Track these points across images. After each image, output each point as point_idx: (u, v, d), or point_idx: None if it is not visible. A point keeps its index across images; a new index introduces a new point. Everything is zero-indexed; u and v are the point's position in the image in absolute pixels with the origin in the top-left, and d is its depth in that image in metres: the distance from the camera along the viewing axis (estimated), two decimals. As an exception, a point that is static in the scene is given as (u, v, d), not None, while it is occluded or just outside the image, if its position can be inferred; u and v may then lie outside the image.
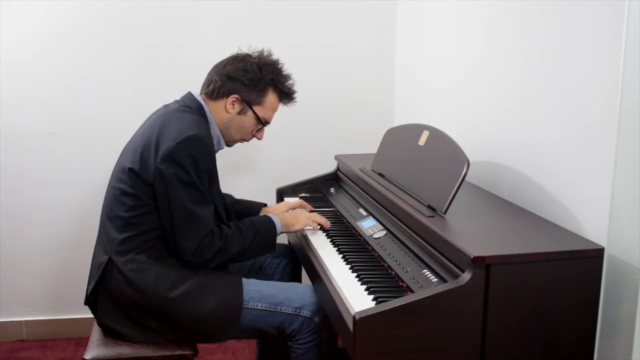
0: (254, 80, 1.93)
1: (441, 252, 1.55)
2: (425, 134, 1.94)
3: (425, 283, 1.54)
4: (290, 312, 1.86)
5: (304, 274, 2.16)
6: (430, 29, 2.58)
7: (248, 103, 1.95)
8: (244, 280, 1.91)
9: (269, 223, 1.95)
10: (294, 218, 2.03)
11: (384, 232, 1.91)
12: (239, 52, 2.00)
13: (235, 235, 1.86)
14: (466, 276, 1.40)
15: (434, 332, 1.41)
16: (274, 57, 2.01)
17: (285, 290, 1.90)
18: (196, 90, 2.00)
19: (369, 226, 2.01)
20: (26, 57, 2.65)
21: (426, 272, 1.58)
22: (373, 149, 2.36)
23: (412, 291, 1.55)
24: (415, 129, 2.03)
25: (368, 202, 2.14)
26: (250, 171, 2.43)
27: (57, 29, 2.64)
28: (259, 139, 2.07)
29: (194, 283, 1.82)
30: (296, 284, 2.01)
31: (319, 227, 2.08)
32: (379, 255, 1.82)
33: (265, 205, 2.31)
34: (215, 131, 1.95)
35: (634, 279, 1.43)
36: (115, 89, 2.73)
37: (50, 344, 2.83)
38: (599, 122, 1.54)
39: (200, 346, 1.95)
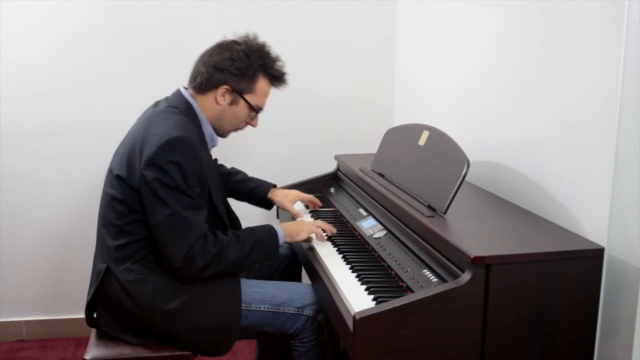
0: (242, 69, 1.85)
1: (441, 252, 1.55)
2: (425, 134, 1.94)
3: (425, 283, 1.54)
4: (293, 312, 1.85)
5: (304, 273, 2.16)
6: (430, 28, 2.58)
7: (239, 92, 1.87)
8: (245, 281, 1.89)
9: (270, 232, 1.87)
10: (299, 227, 1.95)
11: (384, 232, 1.91)
12: (224, 39, 1.92)
13: (232, 243, 1.78)
14: (466, 276, 1.40)
15: (434, 332, 1.41)
16: (260, 40, 1.92)
17: (287, 290, 1.89)
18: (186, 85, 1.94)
19: (369, 226, 2.00)
20: (26, 57, 2.65)
21: (426, 272, 1.58)
22: (373, 149, 2.36)
23: (412, 291, 1.55)
24: (415, 129, 2.03)
25: (368, 202, 2.14)
26: (250, 171, 2.43)
27: (57, 29, 2.65)
28: (254, 126, 1.99)
29: (192, 295, 1.77)
30: (297, 283, 2.00)
31: (325, 235, 2.01)
32: (379, 255, 1.82)
33: (274, 186, 2.30)
34: (207, 129, 1.90)
35: (634, 279, 1.43)
36: (115, 89, 2.73)
37: (50, 344, 2.83)
38: (599, 122, 1.54)
39: (200, 346, 1.95)
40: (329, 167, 2.63)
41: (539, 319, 1.45)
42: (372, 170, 2.24)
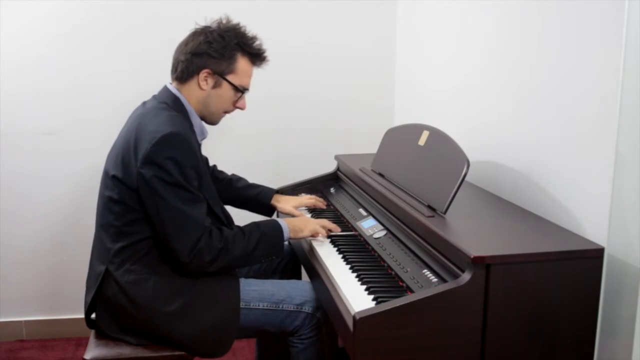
0: (219, 50, 1.84)
1: (441, 252, 1.55)
2: (425, 134, 1.94)
3: (425, 283, 1.54)
4: (292, 309, 1.85)
5: (304, 271, 2.16)
6: (430, 28, 2.58)
7: (220, 74, 1.86)
8: (243, 280, 1.90)
9: (276, 227, 1.88)
10: (303, 224, 1.96)
11: (384, 232, 1.91)
12: (197, 26, 1.92)
13: (237, 237, 1.79)
14: (466, 276, 1.40)
15: (434, 332, 1.41)
16: (234, 21, 1.93)
17: (286, 288, 1.90)
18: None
19: (369, 226, 2.00)
20: (26, 57, 2.65)
21: (426, 272, 1.58)
22: (373, 149, 2.36)
23: (412, 291, 1.55)
24: (415, 129, 2.03)
25: (368, 202, 2.14)
26: (250, 171, 2.43)
27: (57, 29, 2.65)
28: (242, 108, 1.96)
29: (191, 296, 1.78)
30: (296, 280, 2.00)
31: (327, 234, 2.01)
32: (379, 255, 1.82)
33: (277, 191, 2.31)
34: (196, 120, 1.89)
35: (634, 279, 1.43)
36: (115, 89, 2.73)
37: (50, 344, 2.83)
38: (599, 122, 1.54)
39: (200, 346, 1.95)
40: (329, 167, 2.63)
41: (539, 319, 1.45)
42: (372, 170, 2.24)
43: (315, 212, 2.32)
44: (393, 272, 1.69)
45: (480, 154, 2.12)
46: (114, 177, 1.78)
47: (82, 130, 2.74)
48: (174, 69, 1.90)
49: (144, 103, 1.94)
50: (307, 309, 1.86)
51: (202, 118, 1.93)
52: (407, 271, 1.64)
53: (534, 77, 1.83)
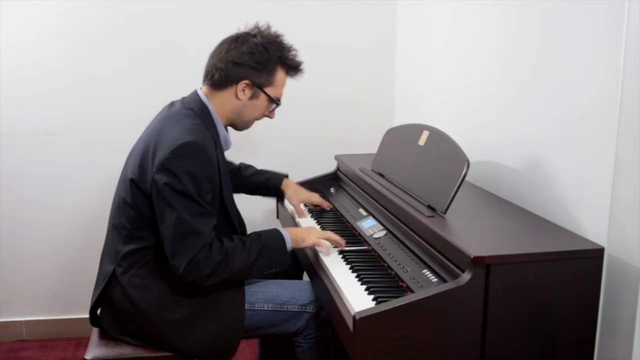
0: (262, 62, 1.81)
1: (441, 252, 1.55)
2: (425, 134, 1.94)
3: (425, 283, 1.54)
4: (296, 310, 1.85)
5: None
6: (430, 28, 2.58)
7: (259, 86, 1.84)
8: (248, 282, 1.89)
9: (277, 238, 1.81)
10: (306, 234, 1.88)
11: (384, 232, 1.91)
12: (238, 32, 1.88)
13: (238, 249, 1.73)
14: (466, 276, 1.40)
15: (434, 332, 1.41)
16: (273, 30, 1.90)
17: (290, 288, 1.89)
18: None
19: (369, 226, 2.00)
20: (26, 57, 2.65)
21: (426, 272, 1.58)
22: (373, 149, 2.36)
23: (412, 291, 1.55)
24: (415, 129, 2.03)
25: (368, 202, 2.14)
26: (251, 171, 2.45)
27: (57, 29, 2.65)
28: (271, 118, 1.95)
29: (195, 304, 1.76)
30: (299, 281, 2.00)
31: (329, 250, 1.88)
32: (379, 255, 1.82)
33: (286, 176, 2.32)
34: (221, 131, 1.87)
35: (634, 279, 1.43)
36: (115, 89, 2.73)
37: (50, 344, 2.83)
38: (599, 122, 1.54)
39: (200, 346, 1.95)
40: (329, 167, 2.63)
41: (539, 319, 1.45)
42: (372, 170, 2.24)
43: (315, 212, 2.32)
44: (393, 272, 1.69)
45: (480, 154, 2.12)
46: (131, 180, 1.77)
47: (82, 130, 2.73)
48: (209, 75, 1.85)
49: (172, 104, 1.91)
50: (311, 309, 1.85)
51: (232, 124, 1.92)
52: (407, 271, 1.64)
53: (534, 77, 1.83)
